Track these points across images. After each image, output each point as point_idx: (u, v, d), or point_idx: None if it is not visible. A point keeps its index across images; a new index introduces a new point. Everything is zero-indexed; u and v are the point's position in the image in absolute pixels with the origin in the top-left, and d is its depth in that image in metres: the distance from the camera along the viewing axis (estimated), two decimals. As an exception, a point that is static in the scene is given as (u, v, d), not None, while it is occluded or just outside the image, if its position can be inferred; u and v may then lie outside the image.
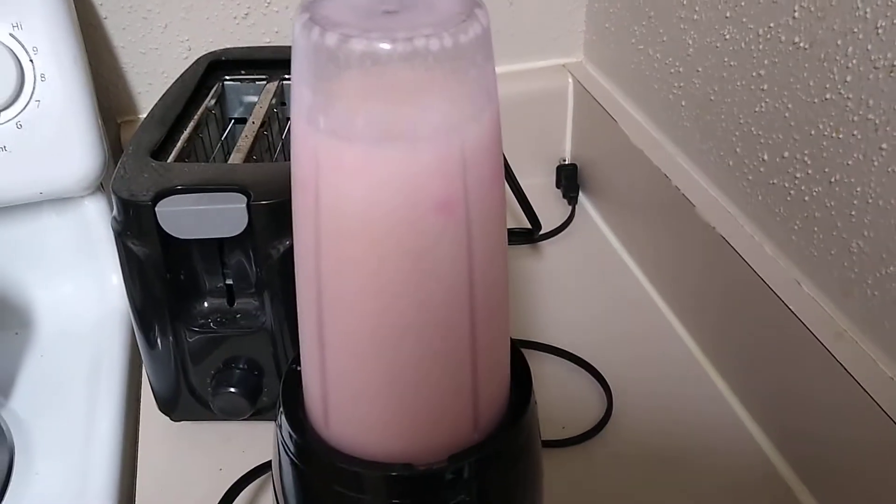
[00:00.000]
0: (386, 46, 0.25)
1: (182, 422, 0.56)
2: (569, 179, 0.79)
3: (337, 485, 0.33)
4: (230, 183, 0.48)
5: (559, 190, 0.80)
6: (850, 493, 0.47)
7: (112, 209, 0.49)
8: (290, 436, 0.34)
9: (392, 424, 0.32)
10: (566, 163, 0.80)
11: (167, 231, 0.47)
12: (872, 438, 0.44)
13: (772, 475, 0.52)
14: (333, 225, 0.28)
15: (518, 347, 0.36)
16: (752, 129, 0.53)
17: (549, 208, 0.77)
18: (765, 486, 0.51)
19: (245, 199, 0.47)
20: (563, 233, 0.75)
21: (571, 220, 0.76)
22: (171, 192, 0.47)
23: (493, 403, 0.33)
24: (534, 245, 0.73)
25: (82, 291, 0.66)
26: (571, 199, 0.78)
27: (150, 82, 0.71)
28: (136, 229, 0.48)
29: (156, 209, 0.47)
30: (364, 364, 0.31)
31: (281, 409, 0.35)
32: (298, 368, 0.36)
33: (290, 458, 0.34)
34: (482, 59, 0.27)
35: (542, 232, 0.72)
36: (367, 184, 0.27)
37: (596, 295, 0.68)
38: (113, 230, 0.49)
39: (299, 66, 0.27)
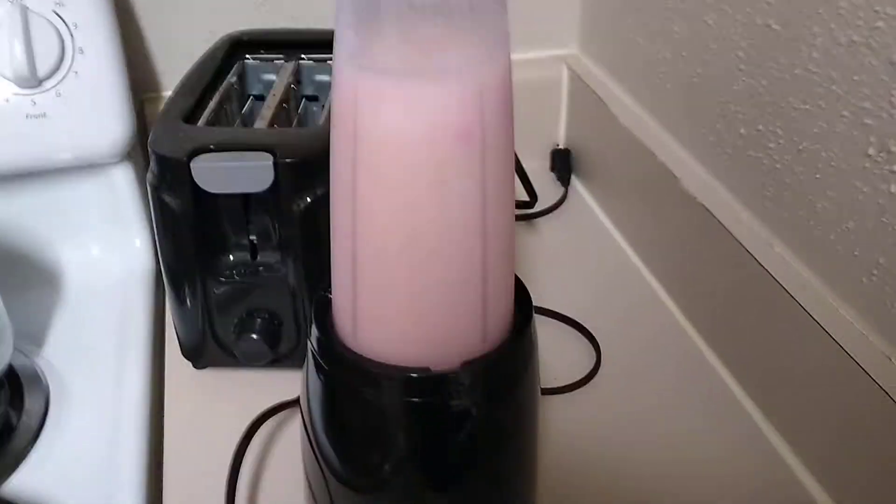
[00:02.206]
0: (421, -5, 0.30)
1: (205, 369, 0.61)
2: (562, 163, 0.84)
3: (362, 386, 0.38)
4: (257, 143, 0.53)
5: (553, 173, 0.85)
6: (815, 428, 0.52)
7: (149, 166, 0.54)
8: (322, 346, 0.39)
9: (412, 333, 0.37)
10: (560, 147, 0.86)
11: (200, 186, 0.52)
12: (836, 376, 0.49)
13: (744, 419, 0.57)
14: (368, 151, 0.33)
15: (520, 279, 0.41)
16: (731, 106, 0.58)
17: (544, 189, 0.82)
18: (737, 428, 0.56)
19: (271, 157, 0.52)
20: (556, 211, 0.80)
21: (565, 200, 0.81)
22: (205, 150, 0.52)
23: (500, 319, 0.38)
24: (530, 222, 0.78)
25: (108, 253, 0.70)
26: (565, 181, 0.83)
27: (173, 62, 0.76)
28: (171, 184, 0.53)
29: (190, 165, 0.52)
30: (391, 278, 0.36)
31: (313, 324, 0.40)
32: (328, 294, 0.41)
33: (321, 366, 0.39)
34: (499, 9, 0.32)
35: (537, 210, 0.77)
36: (399, 114, 0.32)
37: (586, 265, 0.73)
38: (149, 184, 0.54)
39: (344, 12, 0.32)
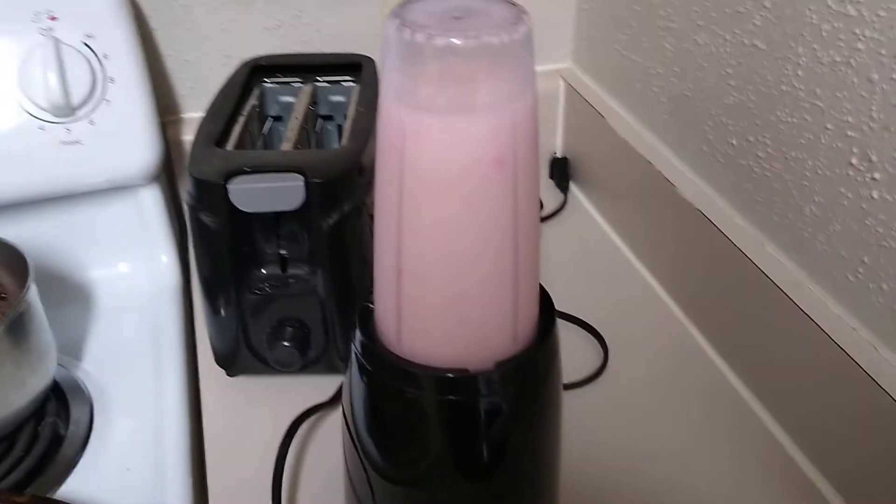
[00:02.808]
0: (461, 42, 0.34)
1: (238, 377, 0.65)
2: (561, 171, 0.89)
3: (405, 386, 0.42)
4: (288, 165, 0.57)
5: (552, 181, 0.90)
6: (809, 413, 0.57)
7: (188, 188, 0.58)
8: (366, 350, 0.43)
9: (451, 338, 0.41)
10: (558, 156, 0.90)
11: (236, 205, 0.56)
12: (828, 365, 0.53)
13: (741, 407, 0.62)
14: (414, 177, 0.37)
15: (541, 284, 0.45)
16: (722, 119, 0.63)
17: (545, 196, 0.86)
18: (735, 416, 0.61)
19: (302, 178, 0.56)
20: (557, 217, 0.85)
21: (564, 206, 0.86)
22: (239, 172, 0.56)
23: (528, 322, 0.43)
24: (532, 228, 0.83)
25: (137, 270, 0.74)
26: (564, 189, 0.88)
27: (192, 86, 0.80)
28: (208, 205, 0.57)
29: (227, 187, 0.56)
30: (432, 286, 0.40)
31: (357, 331, 0.44)
32: (370, 305, 0.45)
33: (365, 368, 0.43)
34: (527, 51, 0.36)
35: (540, 215, 0.82)
36: (442, 145, 0.36)
37: (589, 267, 0.77)
38: (187, 205, 0.58)
39: (391, 56, 0.36)
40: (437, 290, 0.40)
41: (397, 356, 0.42)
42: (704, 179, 0.67)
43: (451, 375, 0.41)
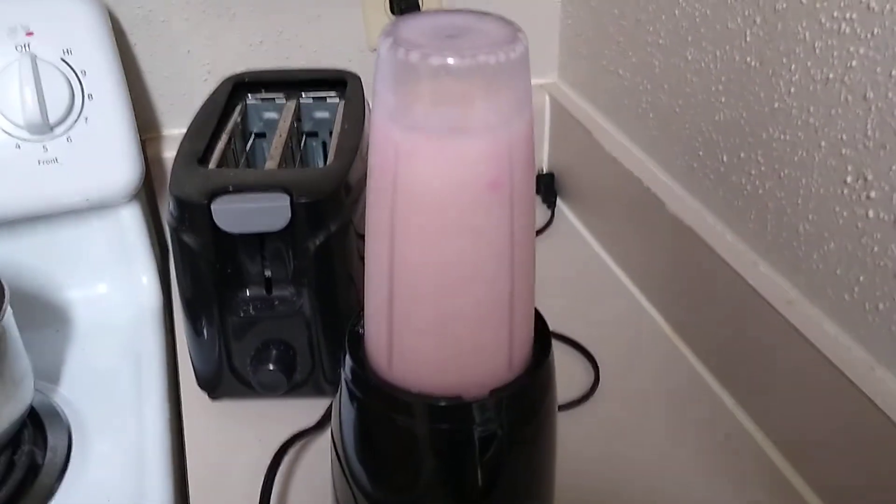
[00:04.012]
0: (456, 61, 0.33)
1: (222, 401, 0.63)
2: (547, 187, 0.88)
3: (397, 414, 0.41)
4: (273, 183, 0.56)
5: (538, 196, 0.89)
6: (805, 434, 0.56)
7: (169, 208, 0.56)
8: (356, 377, 0.42)
9: (445, 364, 0.40)
10: (544, 172, 0.90)
11: (220, 226, 0.55)
12: (824, 386, 0.53)
13: (736, 427, 0.61)
14: (407, 200, 0.36)
15: (536, 308, 0.44)
16: (713, 135, 0.62)
17: (531, 213, 0.85)
18: (729, 437, 0.60)
19: (288, 197, 0.55)
20: (544, 233, 0.84)
21: (551, 223, 0.85)
22: (223, 192, 0.55)
23: (523, 348, 0.42)
24: (519, 245, 0.82)
25: (116, 291, 0.72)
26: (550, 204, 0.87)
27: (172, 103, 0.78)
28: (190, 225, 0.55)
29: (211, 207, 0.54)
30: (425, 312, 0.39)
31: (346, 356, 0.42)
32: (359, 330, 0.44)
33: (355, 395, 0.42)
34: (523, 70, 0.35)
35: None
36: (436, 166, 0.35)
37: (577, 285, 0.77)
38: (168, 226, 0.56)
39: (383, 76, 0.35)
40: (430, 315, 0.39)
41: (388, 383, 0.41)
42: (694, 196, 0.67)
43: (444, 404, 0.40)
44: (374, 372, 0.42)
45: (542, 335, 0.44)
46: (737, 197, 0.61)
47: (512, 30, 0.35)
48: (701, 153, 0.64)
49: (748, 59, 0.57)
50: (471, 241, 0.37)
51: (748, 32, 0.57)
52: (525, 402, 0.42)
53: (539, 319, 0.44)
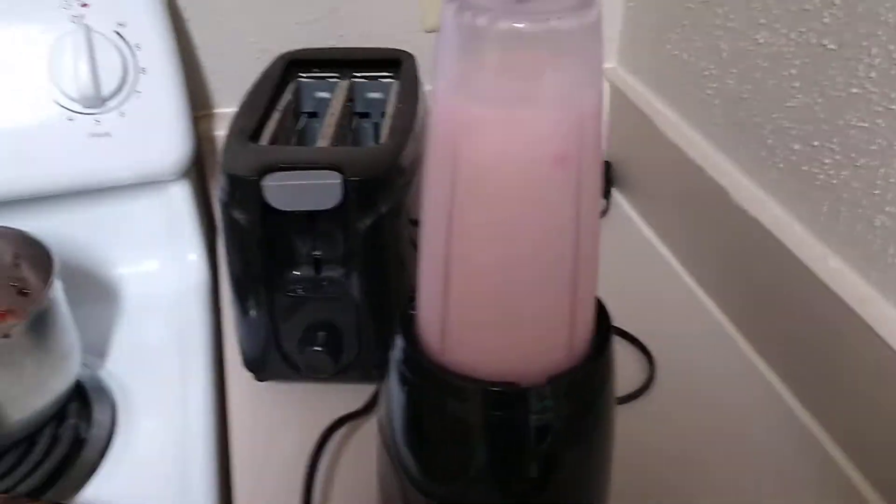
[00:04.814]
0: (526, 26, 0.31)
1: (268, 382, 0.62)
2: (603, 175, 0.85)
3: (449, 399, 0.39)
4: (326, 161, 0.54)
5: (594, 185, 0.86)
6: (873, 439, 0.53)
7: (220, 185, 0.55)
8: (409, 359, 0.40)
9: (501, 349, 0.38)
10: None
11: (270, 203, 0.53)
12: None
13: (801, 431, 0.58)
14: (468, 175, 0.34)
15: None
16: (784, 122, 0.60)
17: (586, 202, 0.83)
18: (792, 441, 0.57)
19: (340, 175, 0.53)
20: (599, 223, 0.81)
21: (606, 213, 0.83)
22: (274, 168, 0.53)
23: (584, 334, 0.40)
24: (573, 234, 0.79)
25: (165, 268, 0.72)
26: (605, 194, 0.85)
27: (224, 80, 0.77)
28: (241, 202, 0.54)
29: (261, 183, 0.53)
30: (483, 294, 0.37)
31: (399, 337, 0.41)
32: (412, 312, 0.42)
33: (407, 378, 0.40)
34: (596, 38, 0.33)
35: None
36: (501, 139, 0.33)
37: (633, 277, 0.74)
38: (219, 202, 0.55)
39: (447, 42, 0.33)
40: (488, 297, 0.37)
41: (442, 367, 0.39)
42: (761, 186, 0.64)
43: (499, 389, 0.38)
44: (425, 355, 0.40)
45: (603, 323, 0.42)
46: (808, 187, 0.58)
47: (584, -4, 0.33)
48: (770, 141, 0.62)
49: (825, 41, 0.55)
50: (534, 220, 0.35)
51: (826, 14, 0.54)
52: (584, 391, 0.40)
53: (600, 307, 0.42)
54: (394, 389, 0.42)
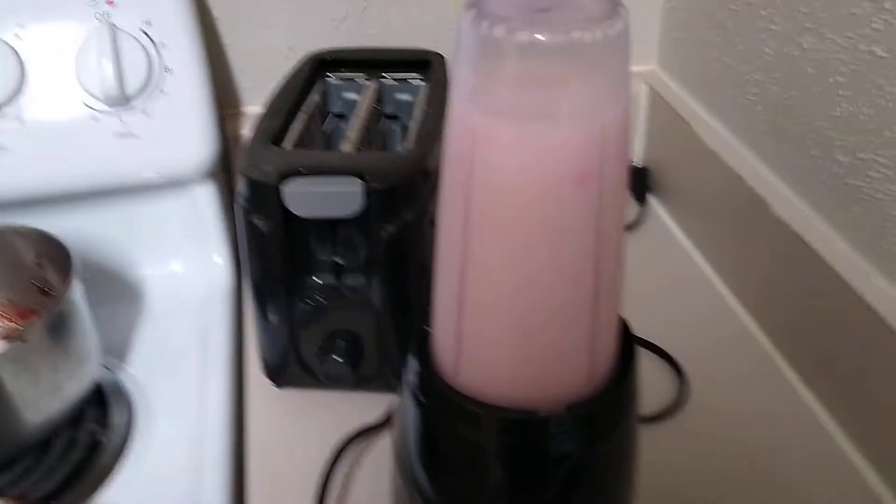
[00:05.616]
0: (547, 38, 0.29)
1: (286, 389, 0.61)
2: (639, 181, 0.83)
3: (463, 425, 0.37)
4: (348, 168, 0.53)
5: (629, 191, 0.84)
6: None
7: (239, 189, 0.54)
8: (422, 380, 0.38)
9: (518, 374, 0.36)
10: (637, 166, 0.84)
11: (290, 209, 0.52)
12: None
13: (842, 459, 0.55)
14: (484, 192, 0.32)
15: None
16: (829, 132, 0.57)
17: (620, 208, 0.80)
18: (833, 469, 0.55)
19: (361, 182, 0.52)
20: (633, 231, 0.79)
21: (642, 220, 0.80)
22: (295, 174, 0.52)
23: (605, 359, 0.38)
24: (606, 241, 0.77)
25: (189, 270, 0.71)
26: (641, 200, 0.82)
27: (253, 79, 0.76)
28: (261, 207, 0.53)
29: (282, 189, 0.52)
30: (498, 316, 0.35)
31: (412, 358, 0.39)
32: (427, 328, 0.40)
33: (420, 401, 0.39)
34: (622, 50, 0.31)
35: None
36: (518, 156, 0.31)
37: (666, 288, 0.71)
38: (239, 207, 0.54)
39: (465, 53, 0.31)
40: (504, 320, 0.35)
41: (456, 391, 0.38)
42: (804, 198, 0.61)
43: (516, 418, 0.36)
44: (440, 376, 0.39)
45: (627, 344, 0.40)
46: (853, 201, 0.55)
47: (610, 5, 0.31)
48: (814, 152, 0.59)
49: (874, 48, 0.52)
50: (553, 240, 0.33)
51: (875, 19, 0.51)
52: (605, 419, 0.38)
53: (624, 327, 0.40)
54: (408, 410, 0.40)
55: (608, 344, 0.38)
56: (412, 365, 0.39)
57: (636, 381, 0.39)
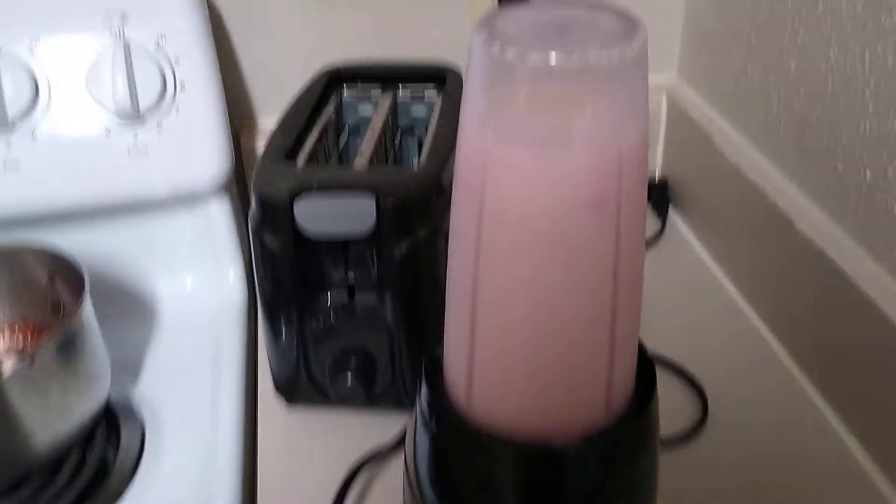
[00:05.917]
0: (561, 60, 0.28)
1: (298, 407, 0.60)
2: (659, 196, 0.81)
3: (475, 456, 0.36)
4: (360, 184, 0.52)
5: (648, 205, 0.82)
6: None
7: (251, 206, 0.53)
8: (433, 412, 0.37)
9: (532, 404, 0.35)
10: (657, 179, 0.83)
11: (302, 227, 0.51)
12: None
13: (867, 482, 0.53)
14: (496, 220, 0.31)
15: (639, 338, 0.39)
16: (856, 147, 0.55)
17: (640, 222, 0.79)
18: (861, 499, 0.53)
19: (374, 199, 0.51)
20: (653, 246, 0.77)
21: (662, 235, 0.79)
22: (307, 191, 0.51)
23: (624, 391, 0.36)
24: (625, 256, 0.75)
25: (202, 286, 0.70)
26: (662, 215, 0.80)
27: (267, 92, 0.76)
28: (272, 225, 0.52)
29: (294, 206, 0.51)
30: (512, 347, 0.34)
31: (422, 387, 0.38)
32: (438, 354, 0.39)
33: (431, 433, 0.37)
34: (640, 71, 0.30)
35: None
36: (531, 183, 0.30)
37: (686, 305, 0.70)
38: (250, 223, 0.53)
39: (476, 75, 0.30)
40: (518, 351, 0.34)
41: (469, 421, 0.36)
42: (829, 215, 0.59)
43: (529, 451, 0.35)
44: (452, 404, 0.38)
45: (646, 372, 0.38)
46: (880, 219, 0.53)
47: (630, 23, 0.30)
48: (840, 167, 0.57)
49: (903, 62, 0.50)
50: (568, 269, 0.31)
51: (905, 32, 0.50)
52: (623, 452, 0.36)
53: (642, 357, 0.38)
54: (419, 437, 0.39)
55: (626, 371, 0.36)
56: (424, 392, 0.38)
57: (656, 409, 0.38)
